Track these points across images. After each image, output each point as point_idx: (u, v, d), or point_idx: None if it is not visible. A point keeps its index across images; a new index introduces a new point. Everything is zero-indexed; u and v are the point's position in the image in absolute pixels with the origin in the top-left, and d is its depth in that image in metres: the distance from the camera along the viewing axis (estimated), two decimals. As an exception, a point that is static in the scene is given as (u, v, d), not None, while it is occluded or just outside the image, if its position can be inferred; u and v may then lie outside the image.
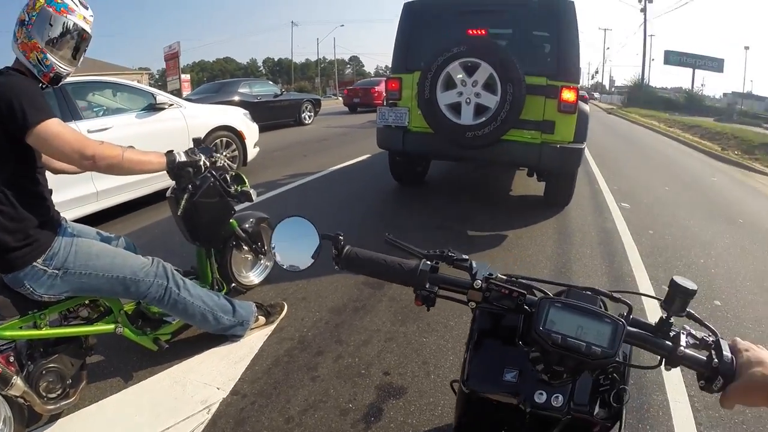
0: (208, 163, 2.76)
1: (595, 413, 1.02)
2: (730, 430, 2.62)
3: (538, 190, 6.67)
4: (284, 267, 1.24)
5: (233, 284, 3.54)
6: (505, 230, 5.46)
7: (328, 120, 19.54)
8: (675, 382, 2.91)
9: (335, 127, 16.60)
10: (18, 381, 2.18)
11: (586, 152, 10.73)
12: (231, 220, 3.31)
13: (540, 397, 1.00)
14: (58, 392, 2.42)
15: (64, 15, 2.23)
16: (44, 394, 2.34)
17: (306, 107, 17.76)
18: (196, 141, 2.96)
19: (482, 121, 5.07)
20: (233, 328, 3.08)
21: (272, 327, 3.37)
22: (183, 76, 28.28)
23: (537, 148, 5.32)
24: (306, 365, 2.99)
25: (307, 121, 17.65)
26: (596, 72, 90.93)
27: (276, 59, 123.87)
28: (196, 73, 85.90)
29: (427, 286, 1.08)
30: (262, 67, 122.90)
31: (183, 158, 2.61)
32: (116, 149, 2.27)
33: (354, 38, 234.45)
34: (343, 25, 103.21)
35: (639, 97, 46.32)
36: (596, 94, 68.37)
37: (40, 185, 2.30)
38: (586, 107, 6.05)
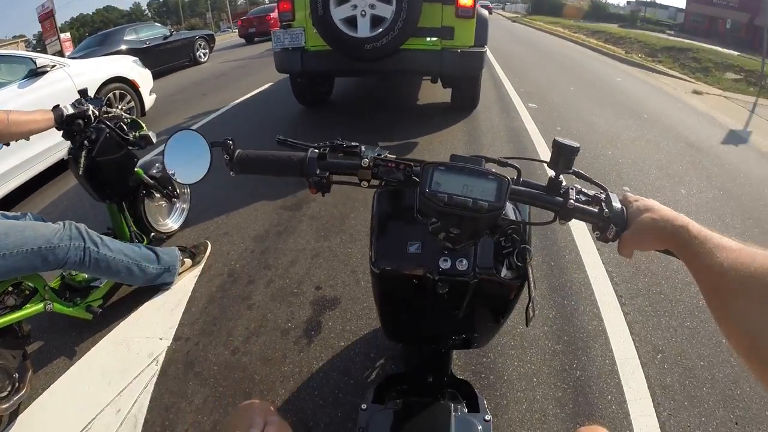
0: (97, 113, 2.64)
1: (502, 275, 1.08)
2: (650, 300, 2.85)
3: (445, 97, 6.75)
4: (181, 182, 1.23)
5: (152, 234, 3.44)
6: (415, 138, 5.54)
7: (224, 55, 18.89)
8: (593, 262, 3.11)
9: (233, 61, 16.05)
10: None
11: (492, 59, 10.88)
12: (136, 169, 3.15)
13: (445, 264, 1.06)
14: (9, 389, 2.31)
15: None
16: None
17: (200, 45, 16.93)
18: (82, 92, 2.80)
19: (379, 32, 4.96)
20: (161, 276, 3.02)
21: (200, 267, 3.35)
22: (62, 35, 26.15)
23: (438, 55, 5.29)
24: (240, 296, 3.02)
25: (202, 59, 16.87)
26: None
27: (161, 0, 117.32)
28: (76, 30, 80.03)
29: (317, 173, 1.08)
30: (147, 11, 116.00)
31: (70, 110, 2.50)
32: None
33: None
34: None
35: (543, 5, 46.95)
36: (492, 5, 68.45)
37: None
38: (485, 12, 6.03)
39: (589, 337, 2.61)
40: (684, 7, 42.25)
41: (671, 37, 22.98)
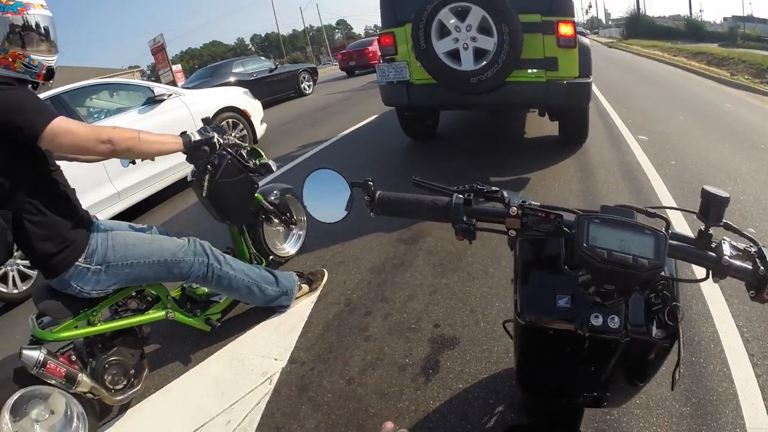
0: (221, 141, 2.79)
1: (653, 333, 1.02)
2: None
3: (553, 131, 6.55)
4: (321, 221, 1.23)
5: (270, 257, 3.59)
6: (526, 173, 5.41)
7: (327, 87, 19.38)
8: (722, 315, 2.90)
9: (337, 93, 16.42)
10: (84, 378, 2.28)
11: (595, 88, 10.60)
12: (256, 195, 3.32)
13: (596, 320, 1.00)
14: (124, 383, 2.50)
15: (24, 13, 2.15)
16: (110, 386, 2.43)
17: (304, 77, 17.60)
18: (206, 120, 2.97)
19: (483, 65, 4.93)
20: (279, 299, 3.12)
21: (316, 294, 3.42)
22: (174, 66, 27.96)
23: (543, 86, 5.18)
24: (357, 326, 3.04)
25: (307, 91, 17.52)
26: (590, 6, 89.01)
27: (263, 35, 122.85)
28: (186, 62, 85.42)
29: (464, 219, 1.07)
30: (250, 45, 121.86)
31: (197, 137, 2.64)
32: (131, 131, 2.30)
33: (337, 2, 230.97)
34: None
35: (637, 28, 45.56)
36: (586, 31, 67.17)
37: (61, 186, 2.31)
38: (586, 40, 5.86)
39: (719, 400, 2.41)
40: None
41: None
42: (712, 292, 3.09)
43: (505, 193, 1.08)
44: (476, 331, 2.84)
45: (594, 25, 79.93)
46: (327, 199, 1.22)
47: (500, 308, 2.99)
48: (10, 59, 2.14)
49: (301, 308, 3.24)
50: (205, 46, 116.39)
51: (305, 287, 3.37)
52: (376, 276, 3.60)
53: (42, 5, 2.23)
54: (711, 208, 0.94)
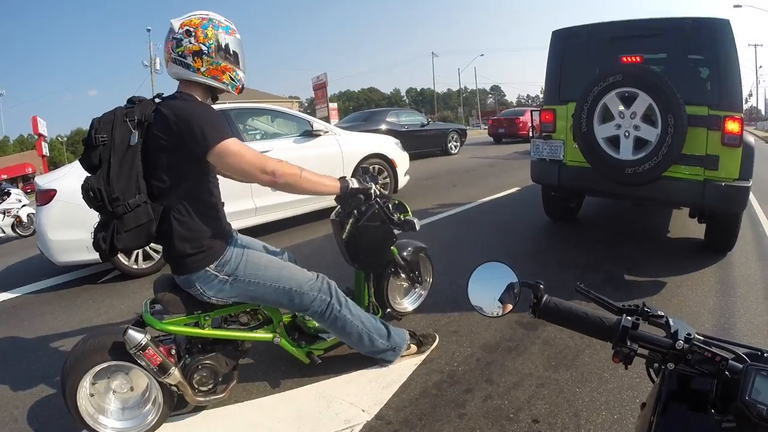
0: (378, 191, 2.89)
1: None
2: None
3: (698, 233, 6.19)
4: (479, 311, 1.24)
5: (388, 310, 3.62)
6: (663, 276, 5.09)
7: (473, 150, 19.57)
8: None
9: (482, 158, 16.54)
10: (175, 371, 2.45)
11: (749, 189, 9.81)
12: (392, 247, 3.39)
13: None
14: (209, 386, 2.64)
15: (234, 35, 2.51)
16: (197, 386, 2.58)
17: (452, 137, 17.98)
18: (364, 169, 3.10)
19: (643, 156, 4.79)
20: (385, 353, 3.13)
21: (422, 357, 3.38)
22: (331, 104, 29.74)
23: (700, 186, 4.90)
24: (454, 401, 2.95)
25: (453, 151, 17.87)
26: (750, 95, 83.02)
27: (418, 89, 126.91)
28: (342, 102, 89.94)
29: (628, 344, 1.04)
30: (405, 97, 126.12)
31: (355, 185, 2.75)
32: (294, 168, 2.47)
33: (494, 67, 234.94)
34: (483, 55, 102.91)
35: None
36: (748, 122, 62.88)
37: (214, 197, 2.55)
38: (751, 139, 5.55)
39: None
40: None
41: None
42: None
43: (671, 321, 1.06)
44: (575, 437, 2.68)
45: (753, 116, 74.56)
46: (488, 289, 1.25)
47: (606, 418, 2.80)
48: (221, 71, 2.47)
49: (403, 368, 3.21)
50: (362, 90, 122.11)
51: (413, 347, 3.35)
52: (486, 354, 3.51)
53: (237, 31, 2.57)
54: None
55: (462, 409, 2.88)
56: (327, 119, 23.59)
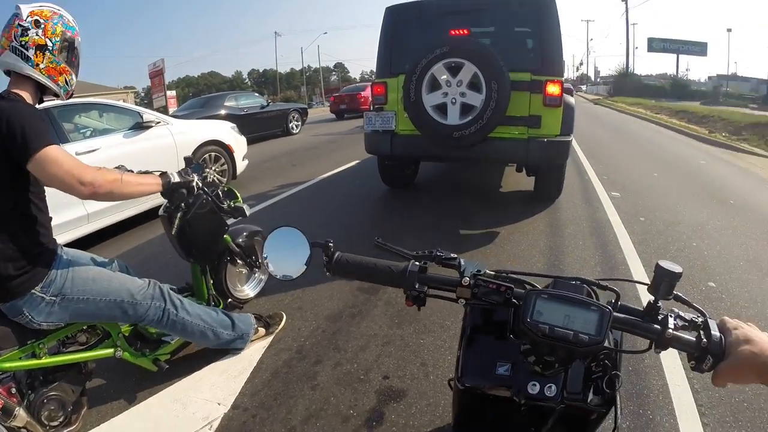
0: (200, 183, 2.80)
1: (589, 400, 1.03)
2: (732, 409, 2.63)
3: (528, 186, 6.71)
4: (277, 277, 1.25)
5: (229, 299, 3.55)
6: (497, 227, 5.47)
7: (315, 128, 19.58)
8: (673, 366, 2.93)
9: (323, 135, 16.64)
10: (21, 412, 2.21)
11: (575, 144, 10.79)
12: (225, 236, 3.31)
13: (533, 388, 1.01)
14: (60, 419, 2.43)
15: (77, 38, 2.34)
16: (46, 422, 2.35)
17: (293, 117, 17.82)
18: (188, 160, 2.99)
19: (468, 120, 5.08)
20: (234, 342, 3.09)
21: (270, 338, 3.37)
22: (169, 92, 28.25)
23: (524, 144, 5.34)
24: (305, 374, 3.00)
25: (294, 131, 17.72)
26: (581, 64, 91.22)
27: (261, 70, 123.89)
28: (181, 89, 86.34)
29: (416, 287, 1.09)
30: (247, 79, 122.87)
31: (177, 179, 2.64)
32: (114, 173, 2.30)
33: (338, 45, 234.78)
34: (326, 33, 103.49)
35: (625, 86, 46.63)
36: (583, 87, 68.93)
37: (41, 212, 2.30)
38: (572, 99, 6.09)
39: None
40: (767, 78, 41.02)
41: (756, 112, 21.85)
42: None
43: (462, 261, 1.11)
44: (425, 385, 2.83)
45: (583, 81, 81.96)
46: (287, 256, 1.25)
47: (451, 362, 2.97)
48: (59, 72, 2.27)
49: (252, 353, 3.19)
50: (202, 75, 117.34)
51: (262, 330, 3.33)
52: (331, 324, 3.58)
53: None
54: (663, 283, 0.98)
55: (314, 381, 2.93)
56: (165, 109, 22.59)
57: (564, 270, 4.33)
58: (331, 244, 1.17)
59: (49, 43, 2.20)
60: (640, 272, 4.26)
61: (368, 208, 6.76)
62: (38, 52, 2.19)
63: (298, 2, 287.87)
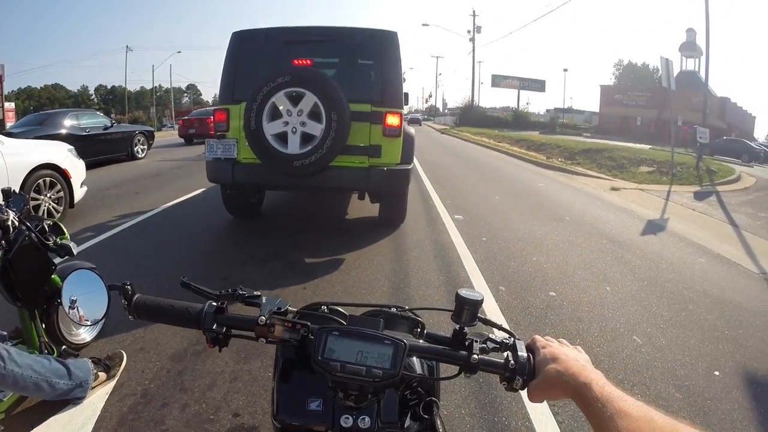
0: (16, 221, 2.60)
1: (406, 426, 1.08)
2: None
3: (374, 212, 6.91)
4: (88, 323, 1.22)
5: (63, 347, 3.24)
6: (342, 254, 5.58)
7: (162, 153, 18.95)
8: None
9: (169, 161, 16.13)
10: None
11: (421, 171, 11.24)
12: (53, 276, 3.04)
13: (346, 422, 1.03)
14: None
15: None
16: None
17: (138, 140, 16.98)
18: (5, 192, 2.77)
19: (308, 150, 5.19)
20: (73, 391, 2.86)
21: (113, 383, 3.17)
22: (7, 104, 25.99)
23: (365, 172, 5.53)
24: (152, 420, 2.85)
25: (140, 155, 16.89)
26: (430, 96, 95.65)
27: (109, 87, 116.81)
28: (21, 102, 79.35)
29: (214, 327, 1.09)
30: (93, 96, 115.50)
31: None
32: None
33: (192, 66, 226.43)
34: (180, 52, 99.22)
35: (470, 117, 49.44)
36: (429, 117, 72.37)
37: None
38: (412, 130, 6.38)
39: None
40: (598, 110, 46.44)
41: (588, 140, 24.67)
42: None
43: (264, 300, 1.11)
44: (278, 420, 2.82)
45: (432, 113, 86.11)
46: (89, 300, 1.21)
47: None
48: None
49: (95, 401, 2.99)
50: (45, 87, 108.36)
51: (102, 375, 3.12)
52: (176, 364, 3.45)
53: None
54: (464, 311, 1.01)
55: (162, 426, 2.80)
56: (1, 122, 20.78)
57: (408, 293, 4.51)
58: (129, 287, 1.14)
59: None
60: (483, 288, 4.56)
61: (211, 240, 6.57)
62: None
63: (152, 17, 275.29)
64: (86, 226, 6.86)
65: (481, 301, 1.02)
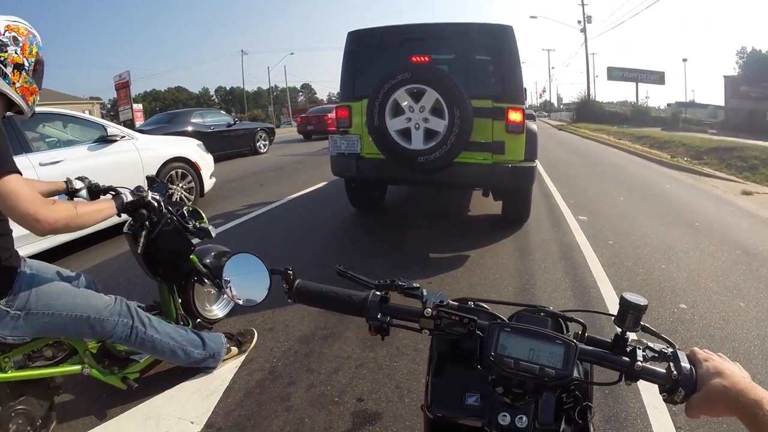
0: (160, 199, 2.74)
1: (561, 430, 1.03)
2: (711, 431, 2.64)
3: (496, 209, 6.76)
4: (240, 302, 1.24)
5: (198, 320, 3.47)
6: (466, 250, 5.50)
7: (283, 148, 19.66)
8: (651, 388, 2.91)
9: (290, 155, 16.69)
10: None
11: (541, 168, 10.98)
12: (191, 256, 3.23)
13: (504, 419, 1.00)
14: None
15: (42, 56, 2.24)
16: None
17: (260, 136, 17.82)
18: (150, 179, 2.94)
19: (432, 146, 5.18)
20: (205, 361, 3.03)
21: (242, 358, 3.32)
22: (135, 105, 28.00)
23: (489, 169, 5.43)
24: (279, 395, 2.95)
25: (262, 150, 17.71)
26: (544, 90, 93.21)
27: (228, 88, 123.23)
28: (148, 103, 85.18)
29: (378, 317, 1.09)
30: (214, 96, 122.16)
31: (129, 198, 2.59)
32: (69, 207, 2.20)
33: (305, 66, 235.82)
34: (293, 53, 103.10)
35: (587, 112, 47.40)
36: (544, 113, 70.54)
37: (2, 226, 2.23)
38: (534, 126, 6.23)
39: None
40: (723, 104, 42.38)
41: (714, 137, 22.55)
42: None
43: (425, 292, 1.10)
44: (400, 408, 2.80)
45: (547, 108, 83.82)
46: (248, 282, 1.23)
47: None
48: (30, 92, 2.18)
49: (224, 372, 3.14)
50: (169, 90, 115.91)
51: (234, 349, 3.29)
52: (303, 345, 3.54)
53: None
54: (629, 315, 0.97)
55: (288, 402, 2.89)
56: (131, 122, 22.28)
57: (534, 294, 4.34)
58: (291, 272, 1.16)
59: (26, 63, 2.13)
60: (611, 295, 4.31)
61: (336, 231, 6.74)
62: (16, 70, 2.11)
63: (266, 22, 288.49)
64: (216, 214, 7.27)
65: (646, 307, 0.96)
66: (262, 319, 3.91)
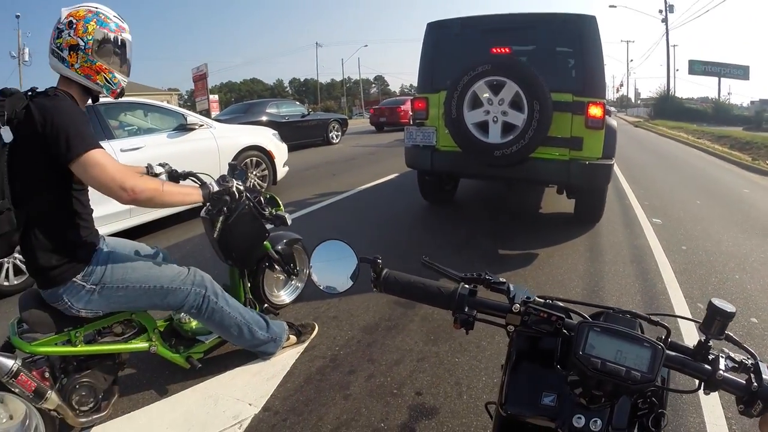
0: (242, 188, 2.81)
1: None
2: None
3: (568, 208, 6.60)
4: (322, 288, 1.25)
5: (265, 305, 3.57)
6: (535, 248, 5.41)
7: (355, 139, 19.77)
8: (712, 403, 2.82)
9: (363, 146, 16.80)
10: (53, 395, 2.26)
11: (615, 167, 10.66)
12: (265, 242, 3.33)
13: (578, 422, 0.98)
14: (90, 405, 2.47)
15: (119, 34, 2.34)
16: (77, 407, 2.40)
17: (333, 127, 18.06)
18: (232, 166, 3.03)
19: (510, 140, 5.07)
20: (266, 345, 3.09)
21: (304, 346, 3.38)
22: (211, 96, 28.80)
23: (566, 165, 5.29)
24: (338, 383, 2.99)
25: (334, 141, 17.94)
26: (621, 85, 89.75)
27: (302, 80, 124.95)
28: (224, 94, 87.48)
29: (465, 310, 1.09)
30: (288, 88, 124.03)
31: (216, 188, 2.66)
32: (156, 182, 2.33)
33: (378, 58, 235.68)
34: (366, 45, 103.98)
35: (665, 108, 45.54)
36: (613, 109, 68.19)
37: (82, 205, 2.35)
38: (614, 122, 6.05)
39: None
40: None
41: None
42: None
43: (512, 287, 1.11)
44: (458, 404, 2.79)
45: (623, 103, 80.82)
46: (332, 269, 1.25)
47: (486, 383, 2.94)
48: (95, 71, 2.27)
49: (285, 358, 3.20)
50: (244, 81, 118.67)
51: (293, 338, 3.34)
52: (366, 335, 3.57)
53: (128, 31, 2.40)
54: (715, 321, 0.96)
55: (347, 390, 2.92)
56: (208, 112, 22.95)
57: (603, 297, 4.24)
58: (380, 261, 1.17)
59: (81, 42, 2.21)
60: (681, 303, 4.15)
61: (407, 223, 6.76)
62: (72, 52, 2.22)
63: (339, 14, 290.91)
64: (288, 201, 7.40)
65: (734, 314, 0.94)
66: (326, 307, 3.97)
